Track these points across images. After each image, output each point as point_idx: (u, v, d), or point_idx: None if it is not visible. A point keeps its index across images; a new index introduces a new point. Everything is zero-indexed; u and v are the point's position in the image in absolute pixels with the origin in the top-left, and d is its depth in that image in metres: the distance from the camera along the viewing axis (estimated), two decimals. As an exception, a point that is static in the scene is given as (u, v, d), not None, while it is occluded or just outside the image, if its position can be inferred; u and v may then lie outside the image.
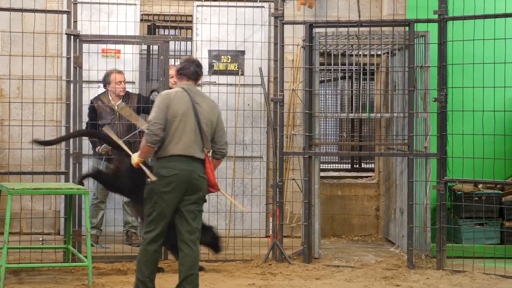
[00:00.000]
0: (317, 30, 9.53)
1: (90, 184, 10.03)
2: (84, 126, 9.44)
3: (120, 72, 10.00)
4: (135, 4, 10.75)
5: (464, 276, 8.57)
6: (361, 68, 10.41)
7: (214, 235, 8.58)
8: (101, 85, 10.19)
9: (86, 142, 9.86)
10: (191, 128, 6.88)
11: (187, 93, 6.96)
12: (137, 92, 10.52)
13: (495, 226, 9.92)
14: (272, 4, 10.07)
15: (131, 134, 9.54)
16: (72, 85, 9.15)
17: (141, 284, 6.89)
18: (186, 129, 6.87)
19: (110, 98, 10.00)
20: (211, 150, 7.12)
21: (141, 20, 11.32)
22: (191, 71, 7.08)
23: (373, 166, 13.05)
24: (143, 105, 9.62)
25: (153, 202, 6.85)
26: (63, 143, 9.29)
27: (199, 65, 7.15)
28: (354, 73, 13.01)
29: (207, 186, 6.96)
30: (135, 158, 7.09)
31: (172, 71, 9.74)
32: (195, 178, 6.85)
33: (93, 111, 9.90)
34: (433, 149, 9.33)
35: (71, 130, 9.16)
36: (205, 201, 7.02)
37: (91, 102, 9.96)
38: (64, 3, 10.14)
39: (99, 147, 9.78)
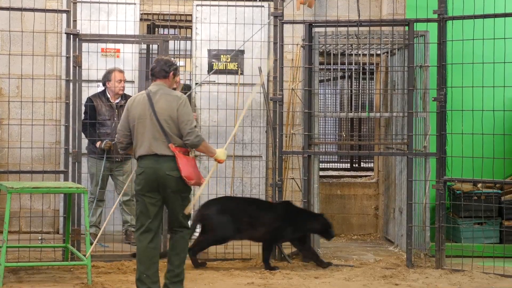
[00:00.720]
0: (316, 29, 9.53)
1: (88, 183, 10.03)
2: (81, 124, 9.38)
3: (121, 71, 10.01)
4: (135, 4, 10.75)
5: (463, 275, 8.58)
6: (361, 68, 10.41)
7: (325, 221, 9.08)
8: (100, 84, 10.19)
9: (85, 141, 9.86)
10: (150, 128, 7.13)
11: (147, 95, 7.24)
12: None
13: (494, 225, 9.93)
14: (272, 4, 10.08)
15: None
16: (71, 84, 9.15)
17: (137, 281, 7.14)
18: (145, 130, 7.15)
19: (109, 96, 10.01)
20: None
21: (141, 19, 11.32)
22: (157, 70, 7.33)
23: (372, 165, 13.06)
24: None
25: (136, 201, 7.28)
26: (62, 142, 9.28)
27: (166, 63, 7.38)
28: (353, 72, 13.02)
29: (177, 183, 7.13)
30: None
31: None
32: (161, 176, 7.09)
33: (92, 108, 9.90)
34: (432, 148, 9.34)
35: (71, 129, 9.15)
36: (180, 195, 7.19)
37: (90, 99, 9.95)
38: (64, 2, 10.15)
39: (100, 142, 9.78)
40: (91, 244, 8.18)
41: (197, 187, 7.53)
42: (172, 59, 7.74)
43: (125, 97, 10.05)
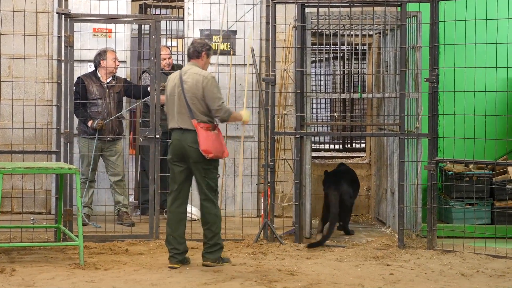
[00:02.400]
0: (309, 10, 9.51)
1: (79, 163, 10.03)
2: (73, 104, 9.34)
3: (114, 51, 10.03)
4: (127, -17, 10.70)
5: (455, 256, 8.61)
6: (353, 48, 10.39)
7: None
8: (92, 64, 10.17)
9: (76, 121, 9.83)
10: (178, 104, 7.90)
11: (179, 74, 8.00)
12: (125, 77, 10.54)
13: (486, 206, 9.95)
14: (264, -16, 10.04)
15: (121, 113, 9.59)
16: (63, 64, 9.12)
17: (166, 241, 8.00)
18: (175, 106, 7.93)
19: (100, 76, 9.99)
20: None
21: (133, -1, 11.28)
22: (191, 51, 8.09)
23: (364, 146, 13.06)
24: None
25: (168, 169, 8.15)
26: (54, 123, 9.27)
27: (199, 43, 8.12)
28: (346, 53, 13.00)
29: (198, 154, 7.83)
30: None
31: (164, 52, 9.83)
32: (184, 147, 7.87)
33: (83, 88, 9.87)
34: (424, 129, 9.34)
35: (62, 109, 9.12)
36: (203, 166, 7.86)
37: (80, 79, 9.92)
38: (55, -19, 10.10)
39: (92, 122, 9.77)
40: (84, 225, 8.22)
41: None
42: (206, 40, 8.40)
43: (115, 77, 10.05)
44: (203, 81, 7.87)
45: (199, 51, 8.06)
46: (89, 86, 9.93)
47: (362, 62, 11.89)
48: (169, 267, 7.84)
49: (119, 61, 10.11)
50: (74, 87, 9.58)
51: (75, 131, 9.75)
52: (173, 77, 8.04)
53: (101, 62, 9.99)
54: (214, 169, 7.99)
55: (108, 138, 9.93)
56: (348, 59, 13.69)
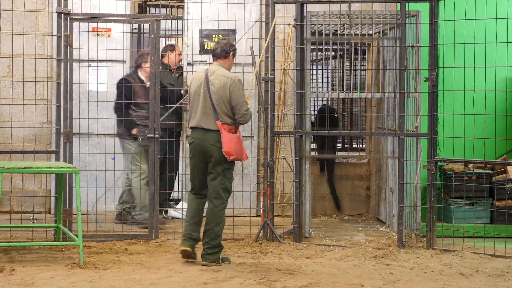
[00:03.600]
0: (308, 9, 9.51)
1: (118, 166, 10.03)
2: (72, 104, 9.34)
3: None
4: (126, -17, 10.71)
5: (454, 256, 8.61)
6: (352, 48, 10.40)
7: None
8: (91, 63, 10.18)
9: (77, 121, 9.83)
10: (203, 103, 8.03)
11: (205, 73, 8.12)
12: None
13: (485, 205, 9.96)
14: (264, -17, 10.04)
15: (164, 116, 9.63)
16: (62, 63, 9.11)
17: (184, 226, 8.21)
18: (199, 105, 8.07)
19: (143, 78, 10.02)
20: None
21: (132, -2, 11.28)
22: (218, 51, 8.20)
23: (364, 145, 13.06)
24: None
25: (189, 166, 8.31)
26: (53, 122, 9.27)
27: (227, 44, 8.25)
28: (345, 52, 13.00)
29: (220, 154, 7.99)
30: None
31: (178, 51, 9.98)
32: (206, 146, 8.01)
33: (129, 89, 9.87)
34: (424, 129, 9.34)
35: (62, 109, 9.12)
36: (222, 165, 8.02)
37: (125, 80, 9.92)
38: (55, -19, 10.10)
39: (136, 130, 9.70)
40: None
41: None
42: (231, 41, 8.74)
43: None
44: (231, 85, 8.02)
45: (227, 51, 8.19)
46: (134, 87, 9.92)
47: (362, 61, 11.88)
48: (182, 250, 8.05)
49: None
50: (117, 88, 9.65)
51: (75, 131, 9.72)
52: (199, 76, 8.17)
53: (143, 64, 9.93)
54: (231, 170, 8.18)
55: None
56: (348, 59, 13.68)
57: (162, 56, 10.40)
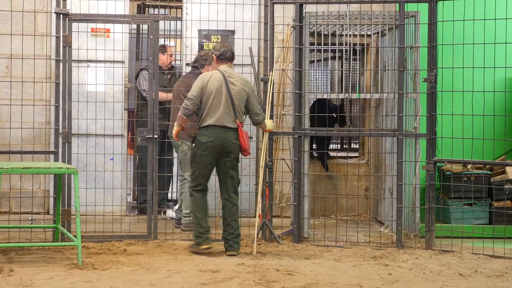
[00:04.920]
0: (307, 9, 9.51)
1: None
2: (71, 104, 9.34)
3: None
4: (125, -17, 10.70)
5: (453, 256, 8.61)
6: (351, 48, 10.39)
7: None
8: (90, 64, 10.18)
9: (76, 122, 9.83)
10: (224, 103, 8.51)
11: (222, 74, 8.57)
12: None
13: (484, 206, 9.97)
14: (262, -16, 10.04)
15: None
16: (61, 64, 9.11)
17: (197, 225, 8.61)
18: (220, 104, 8.50)
19: None
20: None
21: (131, -1, 11.28)
22: (229, 54, 8.72)
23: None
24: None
25: (195, 163, 8.61)
26: (52, 122, 9.27)
27: (229, 47, 8.79)
28: (344, 53, 13.00)
29: (238, 150, 8.63)
30: (174, 128, 8.80)
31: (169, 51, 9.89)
32: (227, 144, 8.52)
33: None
34: (422, 129, 9.34)
35: (61, 110, 9.12)
36: (238, 161, 8.70)
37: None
38: (53, -19, 10.09)
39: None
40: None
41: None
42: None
43: None
44: (250, 87, 8.74)
45: (234, 54, 8.81)
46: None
47: (360, 62, 11.86)
48: (205, 248, 8.56)
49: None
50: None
51: (74, 131, 9.71)
52: (217, 76, 8.57)
53: (206, 66, 9.83)
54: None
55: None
56: (346, 59, 13.68)
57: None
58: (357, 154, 12.72)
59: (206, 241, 8.59)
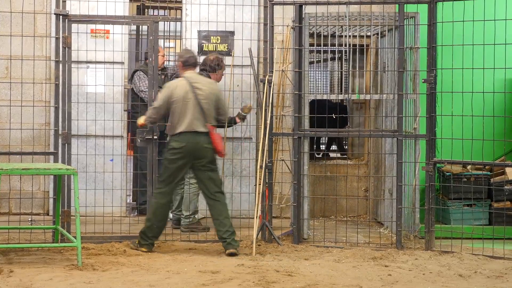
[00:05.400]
0: (306, 10, 9.51)
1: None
2: (71, 105, 9.35)
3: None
4: (124, -16, 10.69)
5: (453, 257, 8.61)
6: (350, 49, 10.40)
7: None
8: (89, 65, 10.19)
9: (75, 123, 9.83)
10: (192, 108, 8.59)
11: (187, 81, 8.67)
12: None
13: (484, 207, 9.97)
14: (262, -15, 10.05)
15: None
16: (61, 65, 9.11)
17: (149, 228, 8.68)
18: (188, 110, 8.59)
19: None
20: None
21: (131, 0, 11.27)
22: (193, 60, 8.86)
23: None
24: None
25: (165, 166, 8.70)
26: (52, 123, 9.27)
27: (194, 54, 8.98)
28: (343, 54, 12.99)
29: (212, 154, 8.71)
30: (140, 120, 8.93)
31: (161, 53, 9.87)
32: (198, 148, 8.61)
33: None
34: (422, 130, 9.34)
35: (60, 111, 9.12)
36: (214, 164, 8.76)
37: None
38: (53, -18, 10.09)
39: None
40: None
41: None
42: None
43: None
44: (216, 88, 8.91)
45: (198, 60, 9.01)
46: None
47: (360, 63, 11.85)
48: (144, 251, 8.66)
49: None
50: None
51: (74, 132, 9.71)
52: (182, 84, 8.69)
53: (219, 71, 9.85)
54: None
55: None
56: (346, 60, 13.67)
57: (146, 58, 10.41)
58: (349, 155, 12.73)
59: (148, 247, 8.71)
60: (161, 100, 8.70)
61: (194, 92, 8.62)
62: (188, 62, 8.82)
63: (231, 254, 8.52)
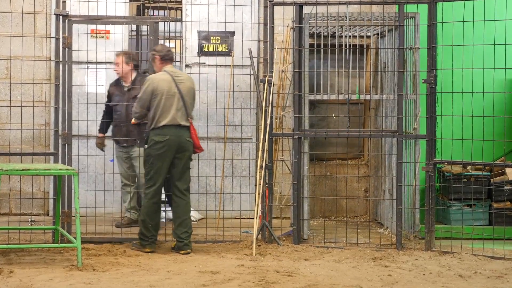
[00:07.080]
0: (306, 11, 9.51)
1: (116, 168, 10.08)
2: (71, 106, 9.36)
3: (119, 54, 9.97)
4: (124, -15, 10.70)
5: (453, 257, 8.61)
6: (350, 50, 10.40)
7: None
8: (90, 65, 10.18)
9: (76, 123, 9.83)
10: (176, 102, 8.65)
11: (169, 75, 8.72)
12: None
13: (484, 207, 9.96)
14: (262, -15, 10.05)
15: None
16: (61, 65, 9.11)
17: (145, 228, 8.68)
18: (172, 104, 8.63)
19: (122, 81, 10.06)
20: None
21: (131, 0, 11.28)
22: (171, 55, 8.91)
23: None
24: None
25: (150, 163, 8.67)
26: (52, 124, 9.27)
27: (170, 49, 9.06)
28: (343, 54, 12.98)
29: (192, 148, 8.77)
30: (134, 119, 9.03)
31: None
32: (182, 141, 8.66)
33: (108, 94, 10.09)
34: (422, 130, 9.35)
35: (60, 111, 9.12)
36: (191, 159, 8.83)
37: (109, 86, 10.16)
38: (53, -17, 10.09)
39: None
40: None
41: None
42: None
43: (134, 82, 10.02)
44: (194, 85, 8.98)
45: (173, 55, 9.15)
46: (113, 92, 10.01)
47: (360, 63, 11.84)
48: (148, 251, 8.67)
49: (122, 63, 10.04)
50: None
51: (74, 133, 9.72)
52: (165, 77, 8.72)
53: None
54: None
55: (124, 144, 9.96)
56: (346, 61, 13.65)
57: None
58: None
59: (151, 246, 8.73)
60: (145, 94, 8.69)
61: (178, 86, 8.69)
62: (167, 56, 8.85)
63: (187, 254, 8.60)
